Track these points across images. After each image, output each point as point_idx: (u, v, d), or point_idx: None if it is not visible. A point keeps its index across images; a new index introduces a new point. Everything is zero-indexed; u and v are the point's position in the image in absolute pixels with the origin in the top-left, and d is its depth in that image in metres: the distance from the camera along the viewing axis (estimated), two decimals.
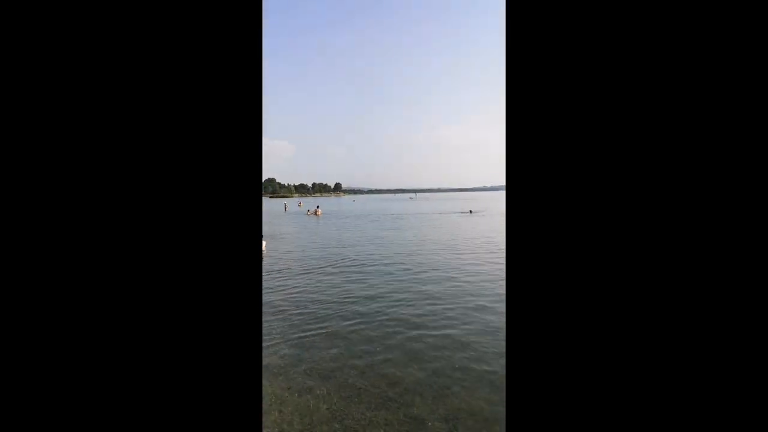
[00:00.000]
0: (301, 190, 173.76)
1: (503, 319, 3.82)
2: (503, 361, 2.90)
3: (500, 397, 2.50)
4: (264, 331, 3.84)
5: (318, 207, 28.13)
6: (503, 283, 5.21)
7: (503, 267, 6.18)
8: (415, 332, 3.73)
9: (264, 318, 4.31)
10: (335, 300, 4.93)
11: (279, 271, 6.94)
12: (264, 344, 3.49)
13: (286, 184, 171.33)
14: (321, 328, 3.90)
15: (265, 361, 3.12)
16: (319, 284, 5.82)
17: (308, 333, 3.76)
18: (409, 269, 6.81)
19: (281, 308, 4.61)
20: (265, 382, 2.77)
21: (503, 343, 3.23)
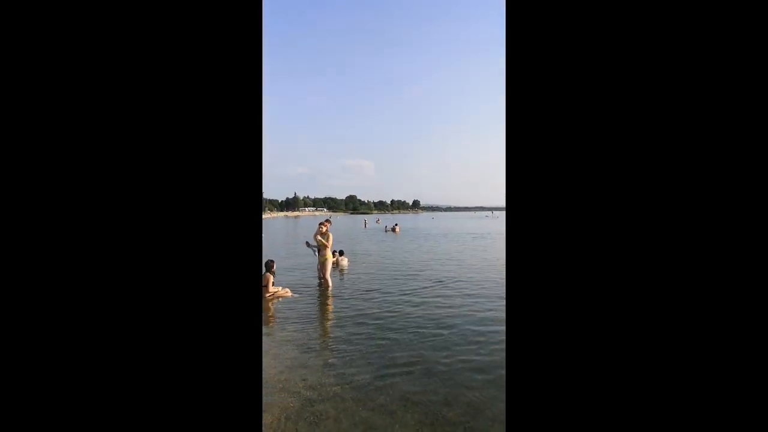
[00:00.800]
0: (380, 206, 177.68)
1: None
2: None
3: None
4: (345, 357, 3.94)
5: (396, 224, 28.23)
6: None
7: None
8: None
9: (344, 344, 4.42)
10: (420, 329, 4.90)
11: (358, 294, 7.09)
12: (346, 369, 3.59)
13: (366, 201, 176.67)
14: (405, 359, 3.90)
15: (346, 383, 3.21)
16: (400, 310, 5.83)
17: (393, 364, 3.78)
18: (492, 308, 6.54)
19: (363, 334, 4.69)
20: (349, 402, 2.85)
21: None
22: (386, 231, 25.83)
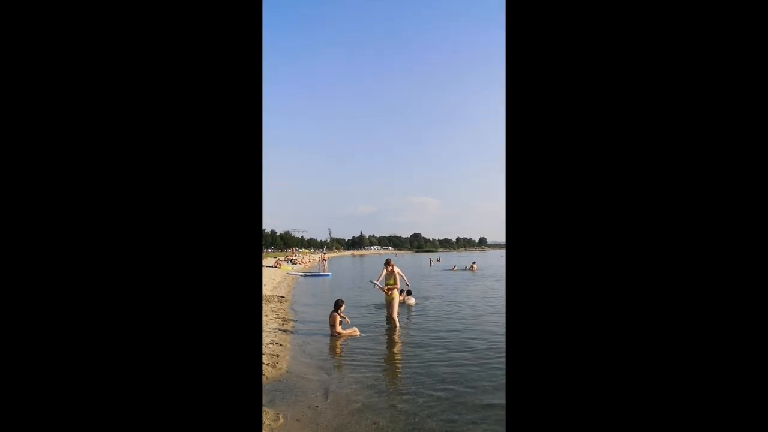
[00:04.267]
0: (446, 244, 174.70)
1: None
2: None
3: None
4: (415, 402, 3.85)
5: (474, 263, 26.35)
6: None
7: None
8: None
9: (414, 388, 4.32)
10: (492, 371, 4.66)
11: (426, 335, 6.94)
12: (419, 412, 3.50)
13: (431, 239, 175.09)
14: (475, 406, 3.73)
15: None
16: (469, 352, 5.60)
17: (465, 410, 3.62)
18: None
19: (432, 377, 4.56)
20: None
21: None
22: (454, 270, 25.08)
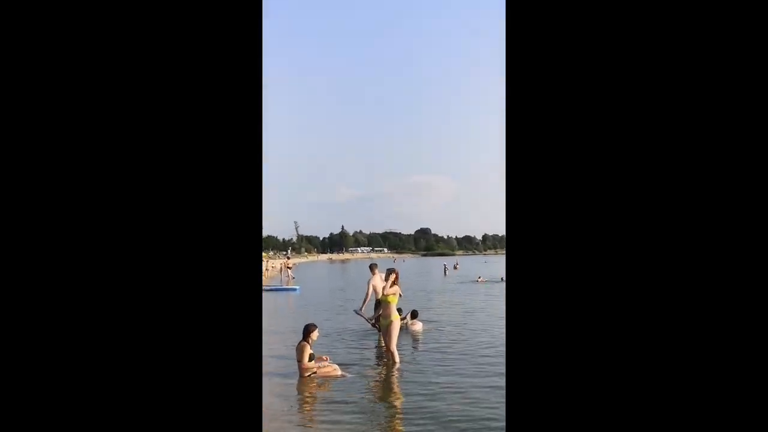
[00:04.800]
0: (467, 244, 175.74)
1: None
2: None
3: None
4: None
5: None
6: None
7: None
8: None
9: None
10: None
11: (439, 377, 6.89)
12: None
13: (446, 237, 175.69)
14: None
15: None
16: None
17: None
18: None
19: None
20: None
21: None
22: (480, 281, 25.01)
